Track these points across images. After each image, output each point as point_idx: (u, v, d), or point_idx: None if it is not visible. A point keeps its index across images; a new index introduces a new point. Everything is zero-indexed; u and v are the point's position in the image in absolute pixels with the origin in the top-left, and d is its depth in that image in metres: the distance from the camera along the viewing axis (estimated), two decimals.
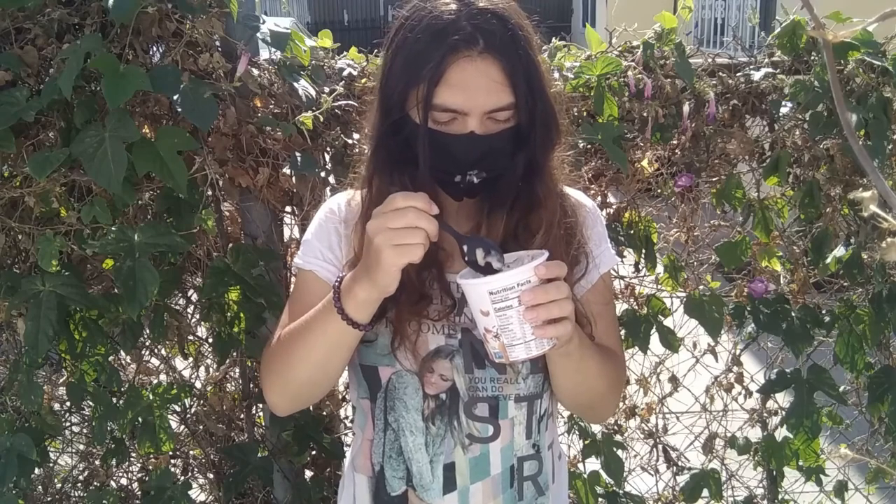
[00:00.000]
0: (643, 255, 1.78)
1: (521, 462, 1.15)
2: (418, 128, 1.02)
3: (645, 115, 1.66)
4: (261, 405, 1.89)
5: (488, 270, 0.96)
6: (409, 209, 0.92)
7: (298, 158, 1.55)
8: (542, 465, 1.17)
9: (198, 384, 1.89)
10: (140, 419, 1.66)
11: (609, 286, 1.24)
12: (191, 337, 1.80)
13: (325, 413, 1.87)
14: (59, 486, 1.95)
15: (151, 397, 1.67)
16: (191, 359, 1.84)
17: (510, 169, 1.06)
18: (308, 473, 1.91)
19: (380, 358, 1.12)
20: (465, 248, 0.98)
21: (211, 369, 1.89)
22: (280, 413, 1.15)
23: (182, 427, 1.90)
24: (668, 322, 1.81)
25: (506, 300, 0.90)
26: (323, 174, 1.63)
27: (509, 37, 1.00)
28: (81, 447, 1.95)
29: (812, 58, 1.69)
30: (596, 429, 1.90)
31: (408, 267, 1.02)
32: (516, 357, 0.94)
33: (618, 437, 1.92)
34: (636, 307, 1.81)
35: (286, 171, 1.59)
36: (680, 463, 2.03)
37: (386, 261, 0.93)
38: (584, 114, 1.70)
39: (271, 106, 1.57)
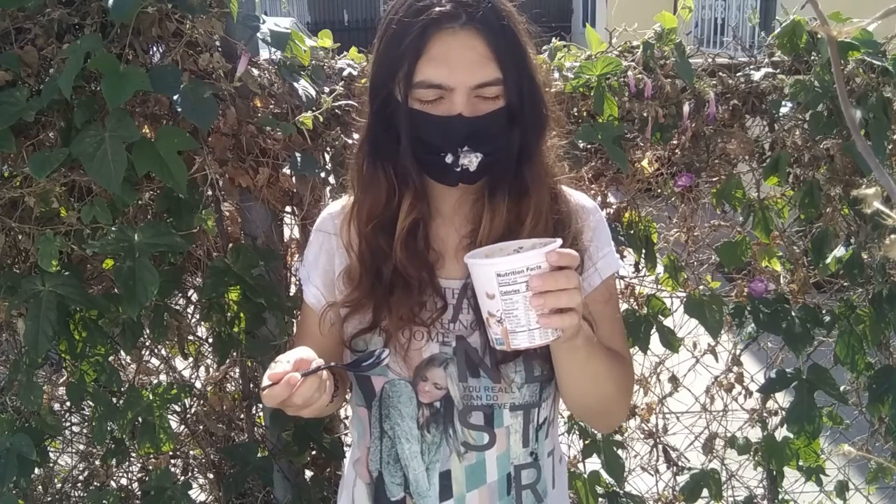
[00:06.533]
0: (643, 255, 1.78)
1: (519, 470, 1.13)
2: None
3: (645, 115, 1.66)
4: (261, 405, 1.88)
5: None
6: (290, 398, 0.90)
7: (298, 158, 1.54)
8: (541, 473, 1.16)
9: (198, 384, 1.89)
10: (140, 419, 1.66)
11: (612, 291, 1.21)
12: (191, 337, 1.80)
13: None
14: (59, 486, 1.95)
15: (151, 397, 1.66)
16: (191, 359, 1.84)
17: (505, 152, 1.04)
18: (308, 473, 1.90)
19: None
20: None
21: (211, 369, 1.89)
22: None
23: (182, 427, 1.90)
24: (668, 322, 1.81)
25: (514, 283, 0.87)
26: (323, 174, 1.63)
27: (491, 9, 0.99)
28: (81, 447, 1.95)
29: (812, 58, 1.70)
30: None
31: (399, 274, 1.05)
32: (517, 344, 0.91)
33: (618, 437, 1.92)
34: (636, 307, 1.81)
35: (286, 171, 1.59)
36: (680, 463, 2.03)
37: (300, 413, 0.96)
38: (584, 114, 1.70)
39: (271, 106, 1.57)
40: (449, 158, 1.01)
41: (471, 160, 1.01)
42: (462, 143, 1.00)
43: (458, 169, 1.02)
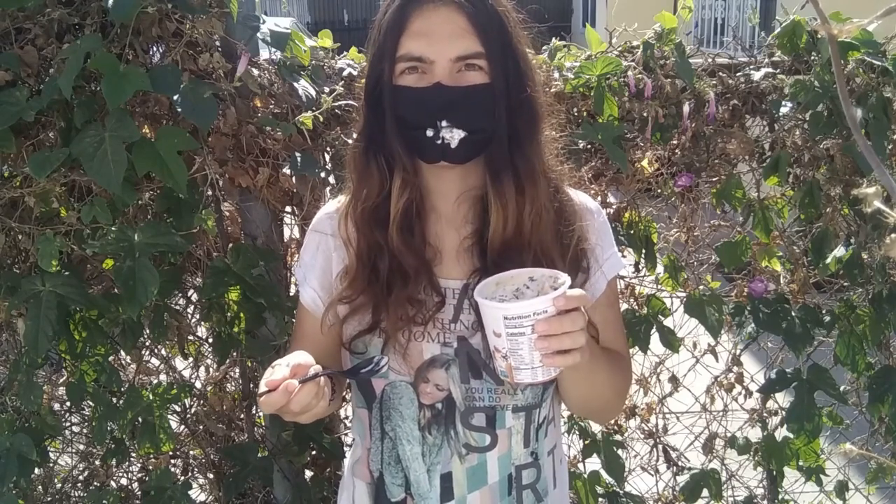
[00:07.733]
0: (643, 255, 1.78)
1: (520, 471, 1.13)
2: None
3: (645, 115, 1.66)
4: None
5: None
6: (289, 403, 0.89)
7: (298, 158, 1.54)
8: (541, 472, 1.16)
9: (198, 384, 1.89)
10: (140, 419, 1.66)
11: (614, 290, 1.22)
12: (191, 337, 1.80)
13: None
14: (59, 486, 1.95)
15: (151, 397, 1.66)
16: (191, 359, 1.84)
17: (492, 134, 1.03)
18: (308, 473, 1.90)
19: None
20: None
21: (211, 369, 1.89)
22: None
23: (182, 427, 1.90)
24: (668, 322, 1.81)
25: (520, 326, 0.89)
26: (323, 174, 1.62)
27: None
28: (81, 447, 1.95)
29: (812, 58, 1.69)
30: (596, 429, 1.90)
31: (396, 271, 1.05)
32: (521, 380, 0.93)
33: (618, 437, 1.92)
34: (636, 307, 1.81)
35: (286, 171, 1.59)
36: (680, 463, 2.03)
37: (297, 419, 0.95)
38: (584, 114, 1.70)
39: (271, 106, 1.57)
40: (430, 133, 1.01)
41: (452, 136, 1.01)
42: (440, 115, 1.00)
43: (439, 142, 1.01)
